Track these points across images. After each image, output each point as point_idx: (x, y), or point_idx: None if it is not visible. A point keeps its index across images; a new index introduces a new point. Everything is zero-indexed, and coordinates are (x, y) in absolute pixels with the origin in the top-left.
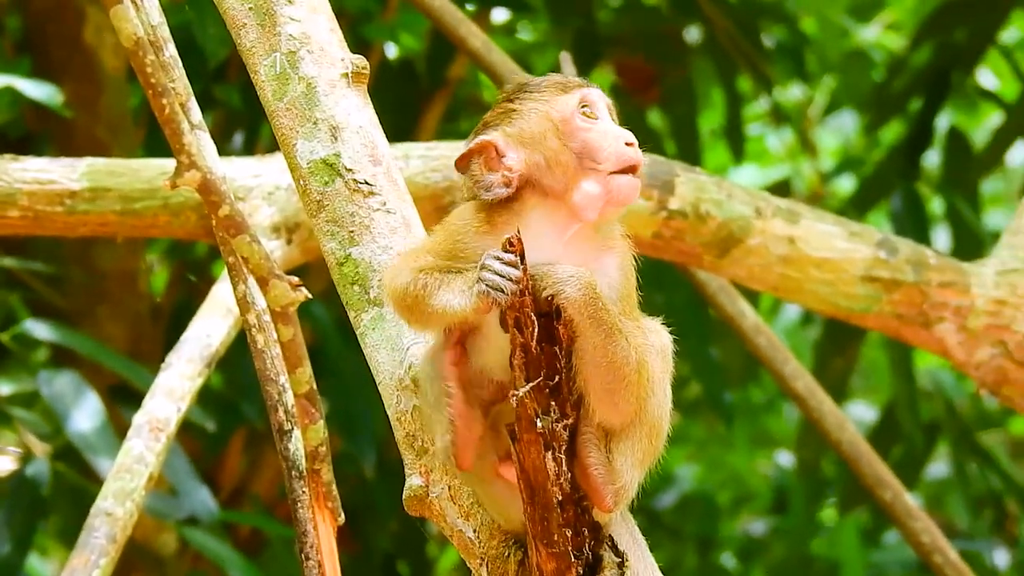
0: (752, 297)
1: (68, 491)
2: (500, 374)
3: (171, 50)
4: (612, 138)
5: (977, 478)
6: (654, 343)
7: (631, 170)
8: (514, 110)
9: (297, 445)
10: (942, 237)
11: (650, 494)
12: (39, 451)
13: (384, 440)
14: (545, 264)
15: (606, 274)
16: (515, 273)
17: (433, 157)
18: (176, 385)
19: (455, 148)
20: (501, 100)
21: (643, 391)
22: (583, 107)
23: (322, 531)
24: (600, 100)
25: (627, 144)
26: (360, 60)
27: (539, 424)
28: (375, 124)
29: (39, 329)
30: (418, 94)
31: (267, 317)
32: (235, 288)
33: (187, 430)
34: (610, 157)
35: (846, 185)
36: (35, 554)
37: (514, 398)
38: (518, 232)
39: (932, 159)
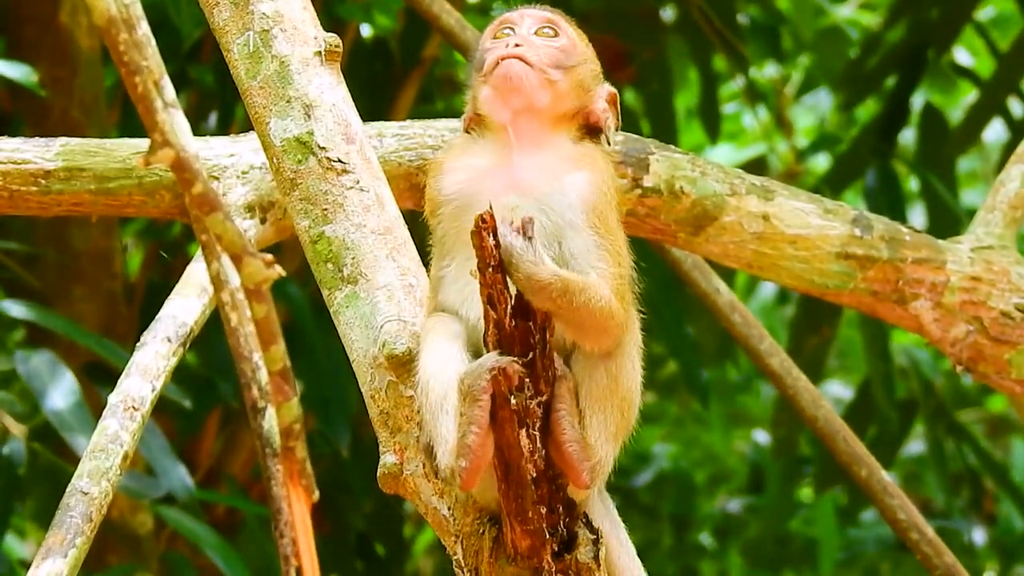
0: (727, 275)
1: (44, 471)
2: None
3: (144, 28)
4: (500, 46)
5: (954, 456)
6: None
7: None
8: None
9: (271, 423)
10: (918, 215)
11: (626, 473)
12: (16, 431)
13: (358, 419)
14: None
15: (575, 189)
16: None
17: (407, 136)
18: (151, 364)
19: (429, 127)
20: None
21: (615, 321)
22: (502, 27)
23: (296, 508)
24: (522, 19)
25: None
26: (333, 38)
27: (513, 401)
28: (348, 102)
29: (14, 309)
30: (392, 73)
31: (241, 295)
32: (209, 266)
33: (163, 409)
34: (488, 62)
35: (821, 163)
36: (13, 536)
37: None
38: (491, 209)
39: (908, 137)
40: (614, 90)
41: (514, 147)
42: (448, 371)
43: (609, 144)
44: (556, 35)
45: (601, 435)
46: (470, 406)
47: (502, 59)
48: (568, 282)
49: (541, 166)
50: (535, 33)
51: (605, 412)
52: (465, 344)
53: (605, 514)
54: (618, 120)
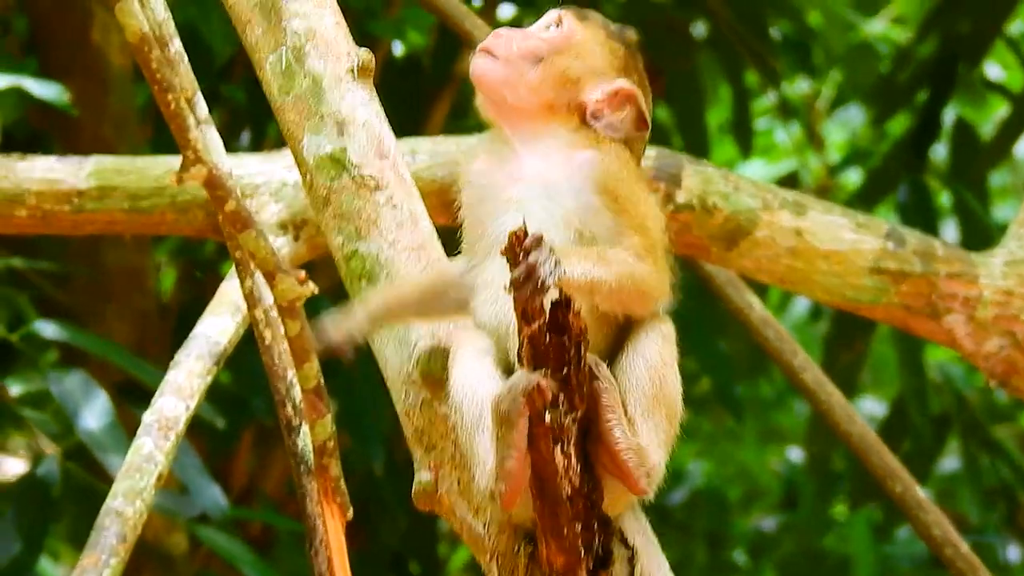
0: (760, 290)
1: (79, 491)
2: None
3: (176, 45)
4: None
5: (988, 471)
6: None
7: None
8: None
9: (305, 440)
10: (950, 230)
11: (660, 490)
12: (49, 451)
13: (392, 436)
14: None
15: (580, 171)
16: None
17: (440, 152)
18: (185, 383)
19: (462, 143)
20: None
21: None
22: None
23: (331, 526)
24: (548, 15)
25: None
26: (366, 54)
27: (548, 417)
28: (381, 118)
29: (47, 329)
30: (424, 90)
31: (274, 313)
32: (242, 283)
33: (197, 428)
34: None
35: (853, 178)
36: (46, 558)
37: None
38: (524, 223)
39: (939, 151)
40: (631, 88)
41: (514, 140)
42: (481, 390)
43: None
44: (558, 28)
45: (652, 441)
46: (507, 430)
47: (475, 54)
48: (593, 281)
49: (543, 155)
50: (545, 27)
51: (654, 418)
52: (495, 359)
53: (640, 531)
54: (641, 121)
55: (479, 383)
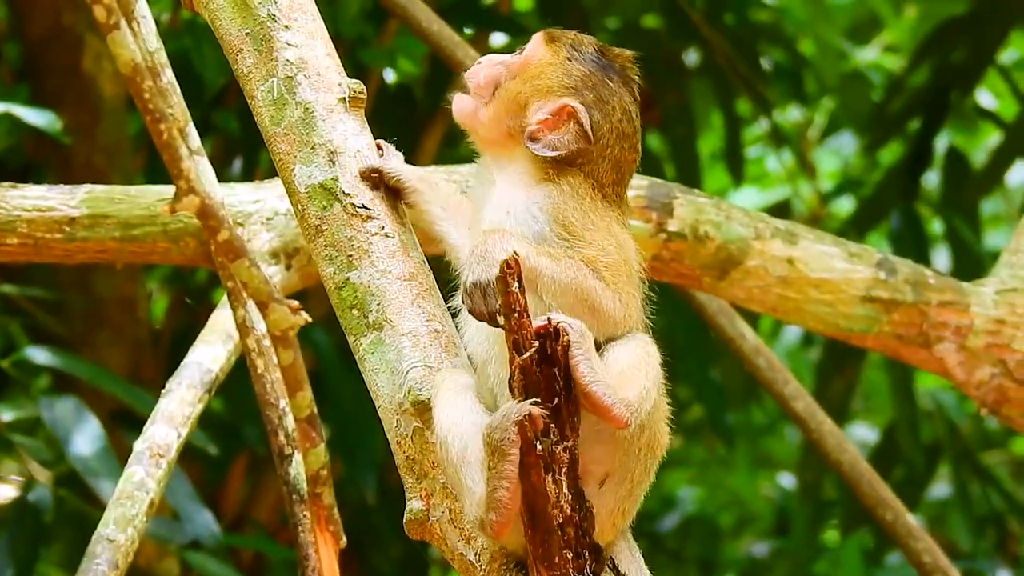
0: (752, 319)
1: (70, 517)
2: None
3: (169, 76)
4: None
5: (979, 498)
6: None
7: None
8: None
9: (298, 469)
10: (942, 257)
11: (652, 517)
12: (41, 477)
13: (384, 464)
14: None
15: (536, 203)
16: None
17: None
18: (176, 411)
19: (453, 172)
20: None
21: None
22: None
23: (324, 555)
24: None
25: None
26: (357, 84)
27: (539, 447)
28: (373, 148)
29: (39, 355)
30: (416, 119)
31: (267, 342)
32: (235, 313)
33: (189, 454)
34: None
35: (846, 206)
36: None
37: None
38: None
39: (931, 179)
40: (573, 105)
41: (491, 167)
42: (465, 423)
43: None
44: (521, 52)
45: (625, 384)
46: (499, 460)
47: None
48: (538, 269)
49: (509, 182)
50: (516, 52)
51: (628, 376)
52: (477, 394)
53: (632, 560)
54: (583, 136)
55: (462, 416)
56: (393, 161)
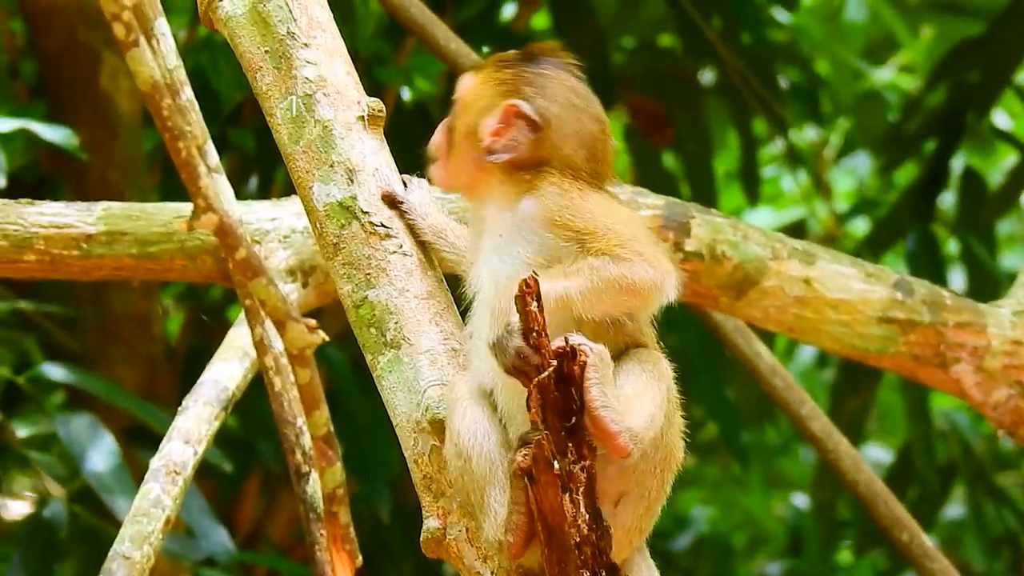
0: (768, 338)
1: (85, 533)
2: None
3: (188, 93)
4: None
5: (994, 519)
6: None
7: None
8: None
9: (314, 487)
10: (958, 278)
11: (665, 536)
12: (56, 493)
13: (399, 482)
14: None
15: (525, 221)
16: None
17: (449, 199)
18: (193, 428)
19: None
20: None
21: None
22: None
23: (340, 574)
24: None
25: None
26: (376, 103)
27: (556, 466)
28: (391, 167)
29: (54, 372)
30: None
31: (284, 360)
32: (252, 331)
33: (204, 472)
34: None
35: (861, 227)
36: None
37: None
38: (534, 274)
39: (947, 200)
40: (513, 102)
41: (481, 208)
42: (488, 444)
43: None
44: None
45: (634, 410)
46: (517, 487)
47: None
48: (565, 294)
49: (498, 210)
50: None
51: (637, 400)
52: (491, 404)
53: (644, 574)
54: (532, 124)
55: (485, 436)
56: (415, 195)
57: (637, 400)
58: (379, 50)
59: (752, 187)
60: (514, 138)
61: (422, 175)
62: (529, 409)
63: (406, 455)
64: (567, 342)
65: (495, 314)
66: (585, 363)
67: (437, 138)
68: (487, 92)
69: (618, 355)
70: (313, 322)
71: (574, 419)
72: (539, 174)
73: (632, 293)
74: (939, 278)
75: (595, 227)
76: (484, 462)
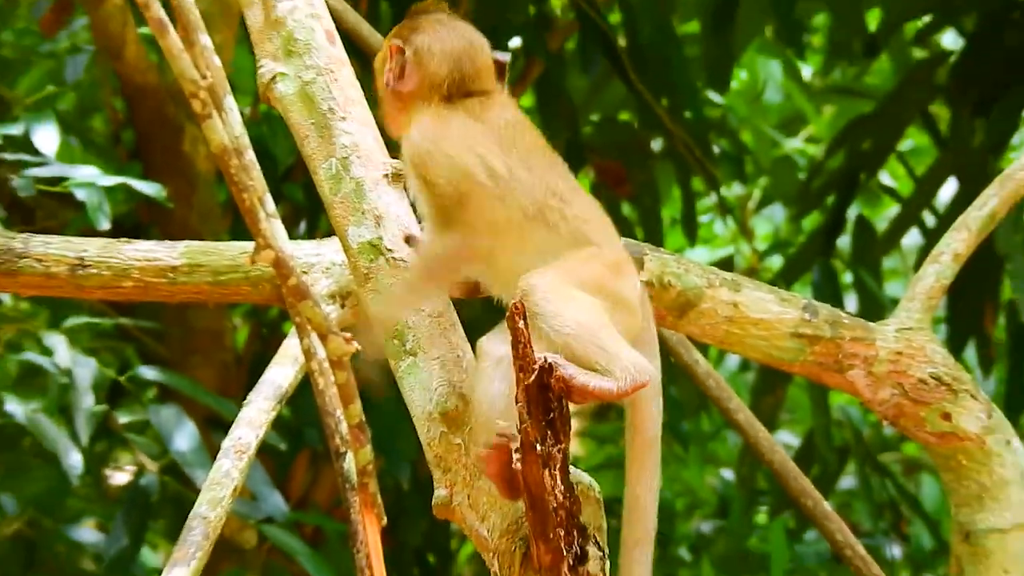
0: (703, 349)
1: (172, 498)
2: None
3: (250, 156)
4: None
5: (878, 489)
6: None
7: None
8: None
9: (350, 464)
10: (852, 303)
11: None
12: (150, 467)
13: (416, 460)
14: None
15: (403, 153)
16: None
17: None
18: (255, 417)
19: None
20: None
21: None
22: None
23: (369, 531)
24: None
25: None
26: (398, 164)
27: (538, 448)
28: (409, 214)
29: (148, 373)
30: None
31: (326, 365)
32: (301, 342)
33: (264, 450)
34: None
35: (776, 262)
36: (147, 549)
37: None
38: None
39: (844, 241)
40: (392, 42)
41: None
42: (500, 351)
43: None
44: None
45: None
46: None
47: None
48: (409, 294)
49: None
50: None
51: (576, 340)
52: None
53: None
54: (400, 51)
55: (499, 348)
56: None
57: (588, 336)
58: None
59: (691, 231)
60: (392, 67)
61: None
62: (517, 402)
63: (421, 439)
64: (546, 360)
65: None
66: (561, 376)
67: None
68: (384, 46)
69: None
70: (348, 335)
71: (552, 414)
72: (413, 105)
73: (454, 263)
74: (838, 302)
75: (434, 178)
76: (493, 361)
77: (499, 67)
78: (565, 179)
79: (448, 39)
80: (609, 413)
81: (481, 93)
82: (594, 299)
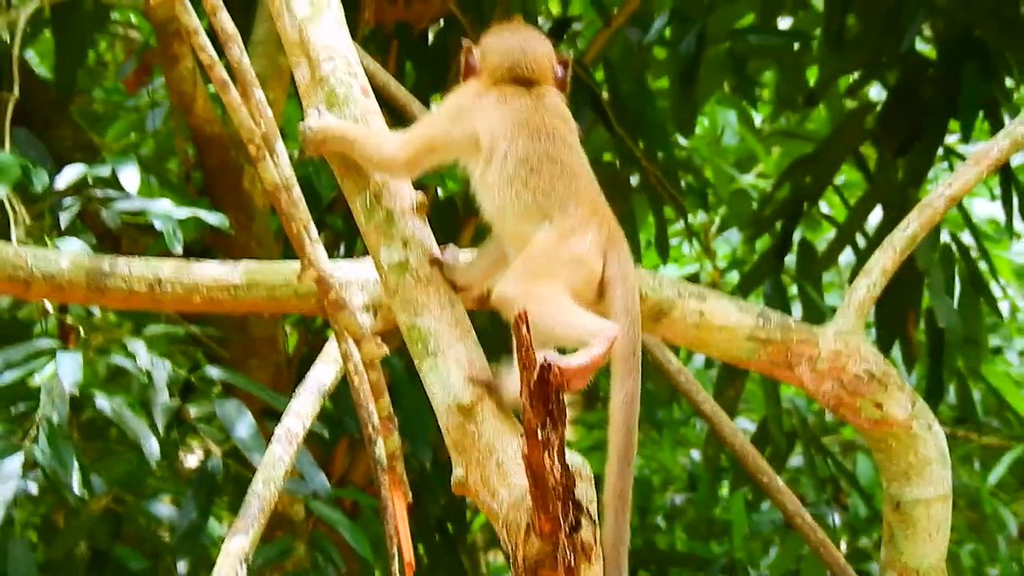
0: (675, 349)
1: (234, 478)
2: None
3: (297, 191)
4: None
5: (821, 467)
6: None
7: None
8: None
9: (380, 449)
10: (798, 311)
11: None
12: (215, 452)
13: (437, 445)
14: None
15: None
16: None
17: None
18: (303, 409)
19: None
20: None
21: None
22: None
23: (397, 505)
24: None
25: None
26: (421, 196)
27: (539, 434)
28: (432, 238)
29: (214, 372)
30: (458, 220)
31: (361, 365)
32: (339, 346)
33: (310, 437)
34: None
35: (734, 277)
36: (214, 520)
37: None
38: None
39: (790, 260)
40: (465, 43)
41: None
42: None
43: None
44: None
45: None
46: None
47: None
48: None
49: None
50: None
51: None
52: None
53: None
54: (469, 59)
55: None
56: (448, 254)
57: (561, 317)
58: None
59: (664, 251)
60: (468, 60)
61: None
62: (522, 396)
63: (441, 427)
64: (545, 360)
65: None
66: (558, 371)
67: None
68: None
69: None
70: (380, 340)
71: (551, 406)
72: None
73: (366, 160)
74: (786, 311)
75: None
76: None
77: (562, 64)
78: (556, 161)
79: (506, 39)
80: (596, 404)
81: (529, 82)
82: (552, 283)
